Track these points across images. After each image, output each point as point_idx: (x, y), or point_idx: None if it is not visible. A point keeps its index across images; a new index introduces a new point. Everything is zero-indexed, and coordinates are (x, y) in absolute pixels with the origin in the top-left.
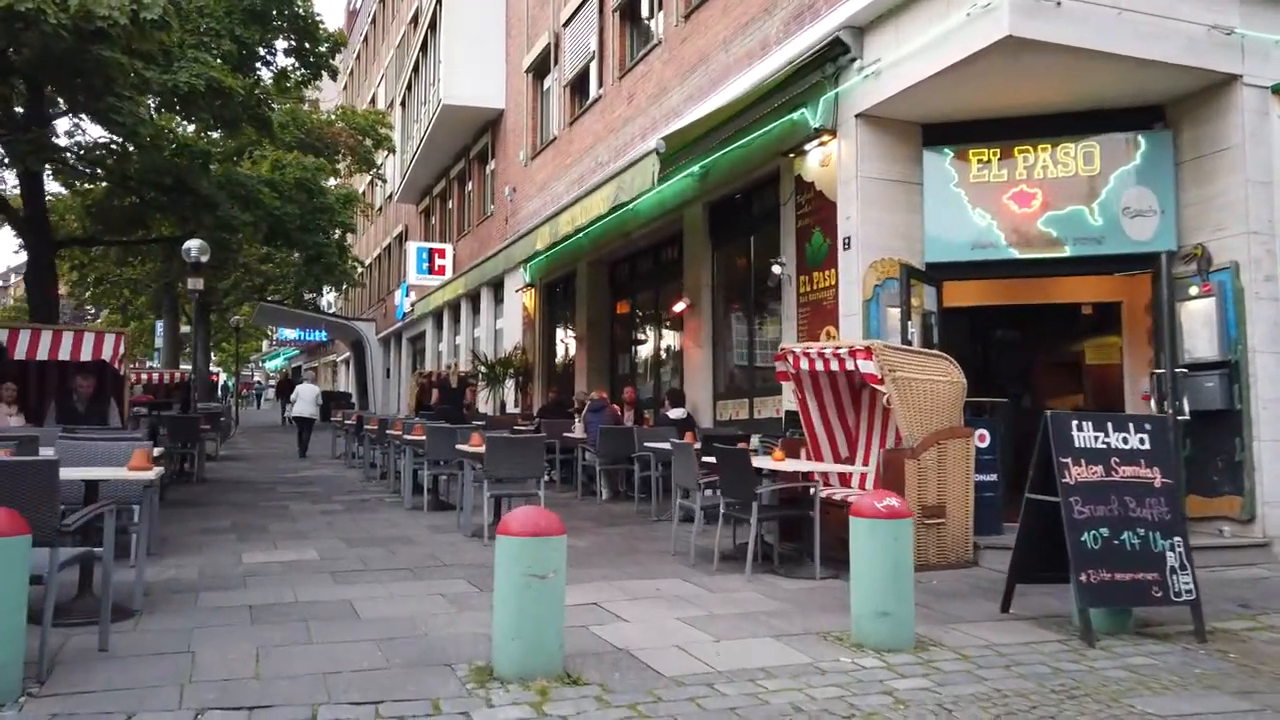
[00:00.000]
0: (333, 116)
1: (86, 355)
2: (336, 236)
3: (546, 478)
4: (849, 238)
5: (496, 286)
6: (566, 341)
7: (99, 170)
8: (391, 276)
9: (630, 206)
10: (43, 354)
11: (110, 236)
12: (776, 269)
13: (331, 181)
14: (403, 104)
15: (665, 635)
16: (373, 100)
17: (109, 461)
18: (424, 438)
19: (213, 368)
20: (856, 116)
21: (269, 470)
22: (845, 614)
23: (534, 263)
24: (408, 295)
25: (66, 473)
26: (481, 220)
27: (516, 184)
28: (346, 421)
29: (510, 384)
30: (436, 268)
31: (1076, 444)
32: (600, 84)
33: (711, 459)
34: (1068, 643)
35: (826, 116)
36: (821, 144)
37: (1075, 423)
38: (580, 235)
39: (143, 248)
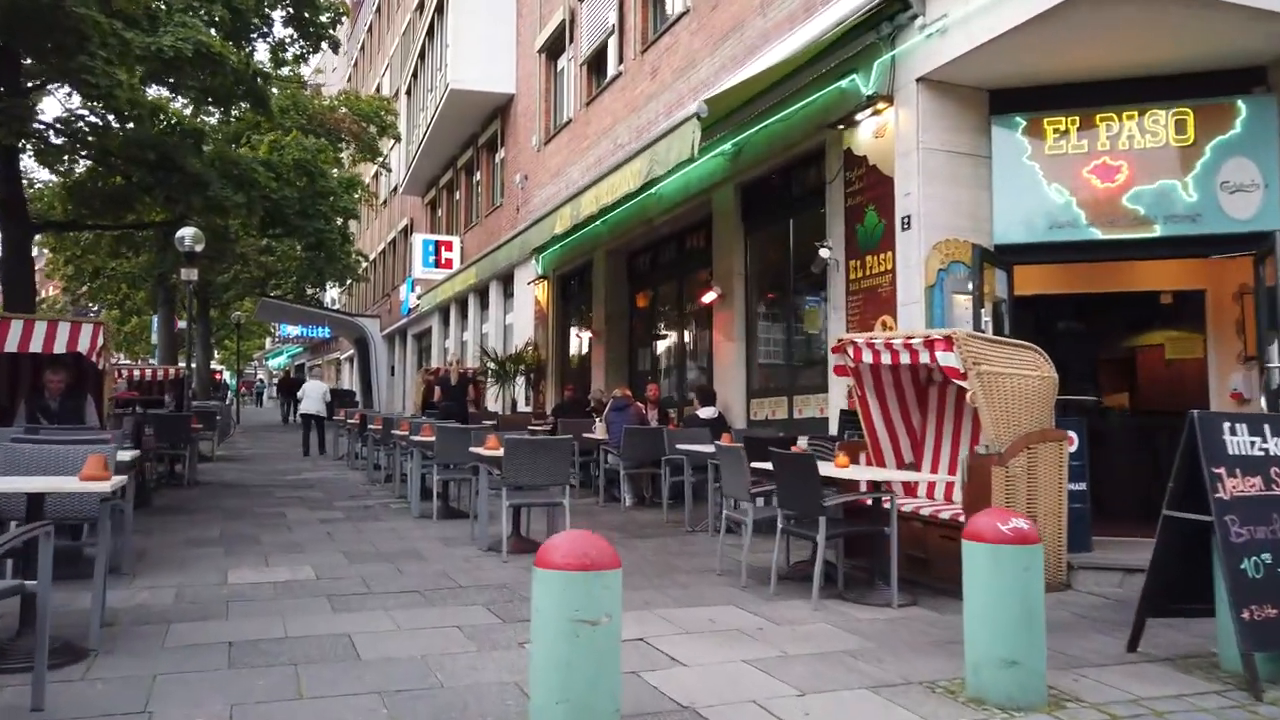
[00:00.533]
0: (335, 102)
1: (60, 347)
2: (339, 224)
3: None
4: (908, 217)
5: (506, 280)
6: (582, 336)
7: (77, 145)
8: (396, 271)
9: (654, 191)
10: (11, 346)
11: (93, 220)
12: (824, 253)
13: (334, 171)
14: (408, 93)
15: (735, 685)
16: (378, 90)
17: (66, 469)
18: (433, 439)
19: (216, 365)
20: (918, 81)
21: (267, 472)
22: (944, 655)
23: (547, 253)
24: (413, 290)
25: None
26: (491, 211)
27: (528, 171)
28: (350, 421)
29: (521, 381)
30: (443, 261)
31: (1230, 450)
32: (620, 60)
33: (763, 465)
34: (1227, 694)
35: (881, 82)
36: (876, 113)
37: (1228, 425)
38: (598, 222)
39: (135, 237)
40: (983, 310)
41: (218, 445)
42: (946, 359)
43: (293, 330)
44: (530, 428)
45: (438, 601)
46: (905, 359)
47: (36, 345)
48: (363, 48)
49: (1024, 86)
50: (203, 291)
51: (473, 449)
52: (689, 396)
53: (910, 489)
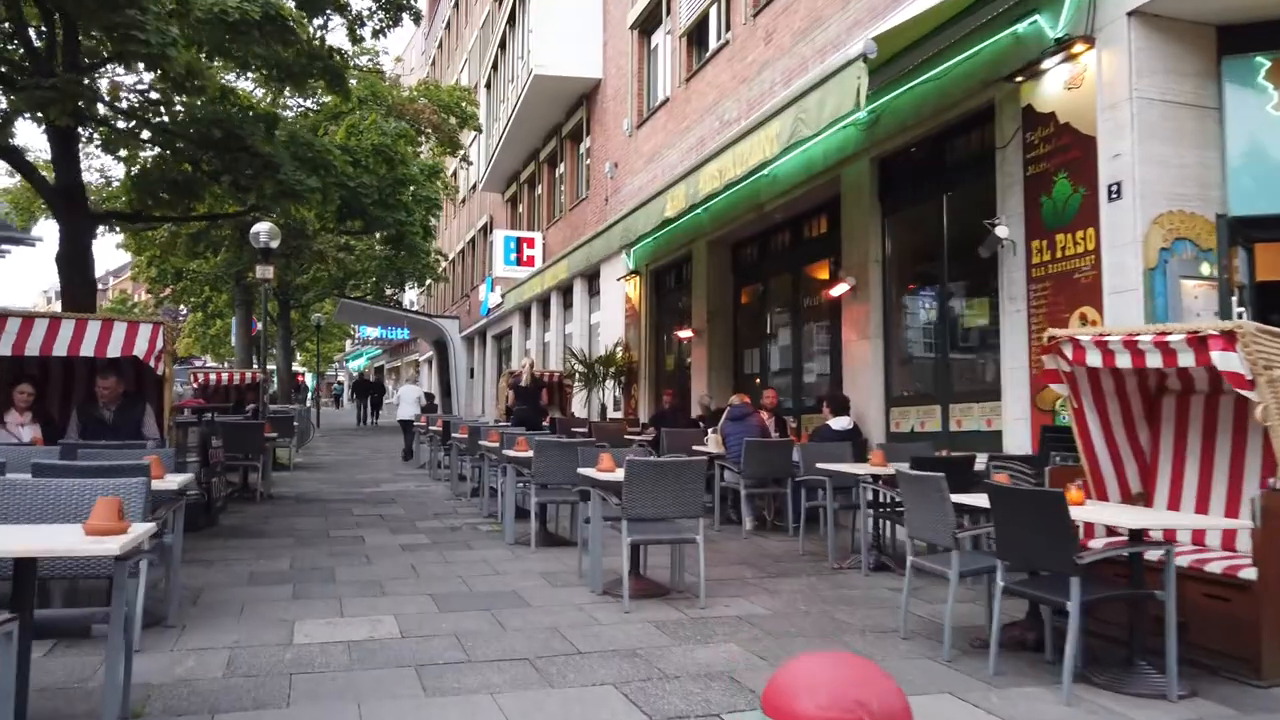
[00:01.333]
0: (415, 93)
1: (115, 351)
2: (421, 215)
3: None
4: (1118, 184)
5: (592, 277)
6: (679, 336)
7: (135, 125)
8: (476, 271)
9: (766, 172)
10: (60, 349)
11: (160, 212)
12: (1002, 231)
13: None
14: (487, 86)
15: None
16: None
17: (78, 511)
18: (529, 454)
19: (298, 367)
20: (1129, 15)
21: (345, 483)
22: None
23: (640, 246)
24: (493, 290)
25: None
26: (575, 204)
27: (618, 159)
28: (432, 428)
29: (610, 385)
30: (525, 258)
31: None
32: (726, 27)
33: (973, 499)
34: None
35: (1077, 19)
36: (1069, 58)
37: None
38: (699, 210)
39: (212, 235)
40: (1233, 298)
41: (297, 451)
42: (1227, 361)
43: (372, 332)
44: (627, 437)
45: (554, 678)
46: (1155, 360)
47: (88, 349)
48: (440, 45)
49: (1264, 19)
50: (282, 292)
51: (584, 471)
52: (810, 404)
53: (1168, 534)
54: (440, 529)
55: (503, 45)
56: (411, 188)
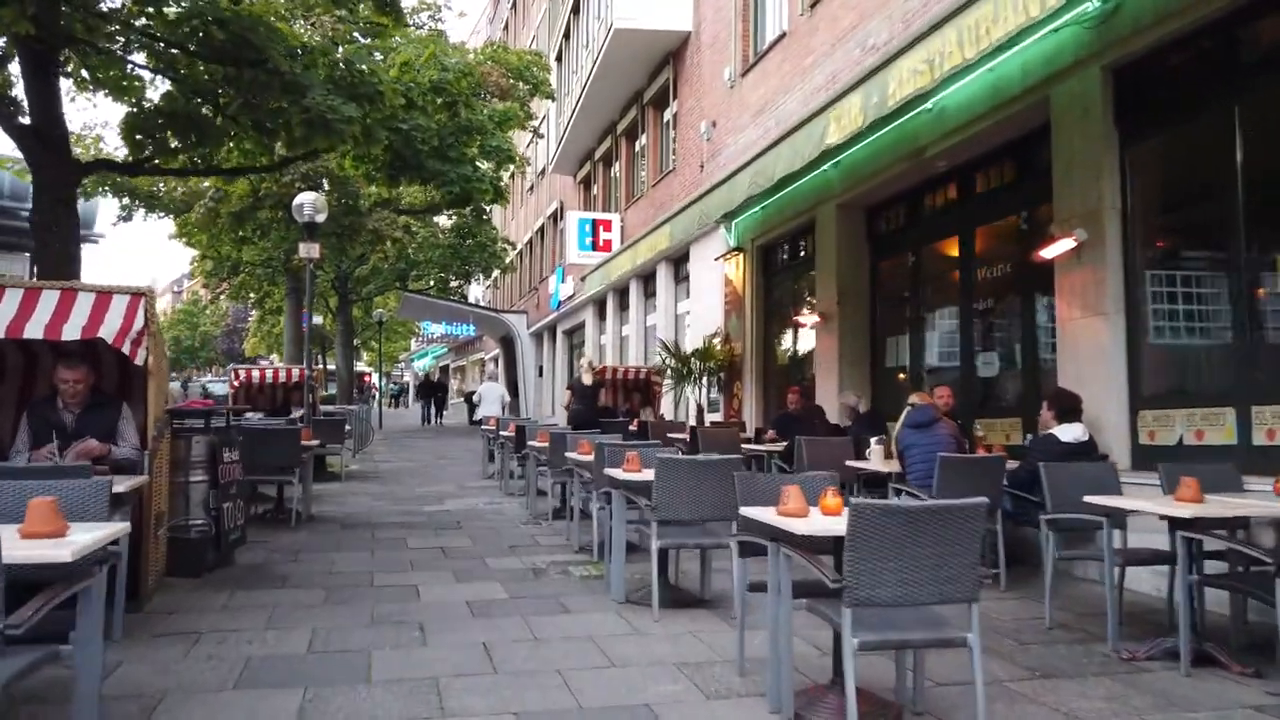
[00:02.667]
0: (481, 56)
1: (74, 332)
2: (490, 169)
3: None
4: None
5: (679, 260)
6: (799, 323)
7: (120, 36)
8: (545, 261)
9: (929, 105)
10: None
11: (165, 162)
12: None
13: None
14: (558, 59)
15: None
16: None
17: None
18: (647, 479)
19: (363, 367)
20: None
21: (403, 498)
22: None
23: (744, 217)
24: (564, 281)
25: None
26: (659, 179)
27: (717, 116)
28: (504, 433)
29: (707, 382)
30: (601, 243)
31: None
32: None
33: None
34: None
35: None
36: None
37: None
38: (825, 168)
39: (257, 214)
40: None
41: (355, 456)
42: None
43: (436, 329)
44: (747, 447)
45: None
46: None
47: (36, 329)
48: (505, 25)
49: None
50: (341, 284)
51: (756, 513)
52: (991, 405)
53: None
54: (520, 572)
55: (576, 9)
56: (479, 139)
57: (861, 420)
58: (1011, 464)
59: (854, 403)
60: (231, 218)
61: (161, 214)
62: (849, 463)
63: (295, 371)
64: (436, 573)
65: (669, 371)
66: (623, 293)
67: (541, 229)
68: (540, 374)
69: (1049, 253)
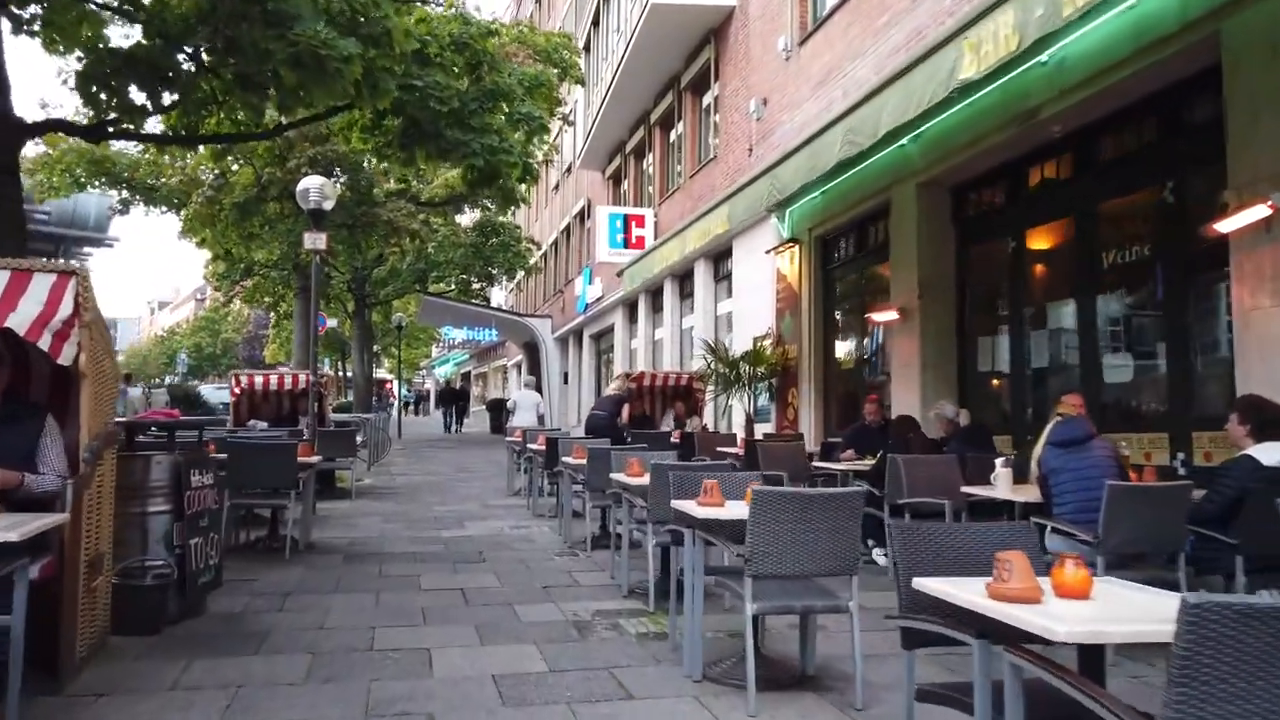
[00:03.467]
0: (506, 35)
1: None
2: (519, 143)
3: None
4: None
5: (719, 257)
6: (873, 320)
7: None
8: (571, 262)
9: (1046, 58)
10: None
11: (130, 122)
12: None
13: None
14: (586, 48)
15: None
16: None
17: None
18: (728, 514)
19: (384, 374)
20: None
21: (419, 519)
22: None
23: (801, 204)
24: (591, 282)
25: None
26: (697, 169)
27: (769, 93)
28: (532, 446)
29: (754, 389)
30: (634, 239)
31: None
32: None
33: None
34: None
35: None
36: None
37: None
38: (903, 141)
39: (264, 207)
40: None
41: (369, 469)
42: None
43: (457, 334)
44: (818, 464)
45: None
46: None
47: None
48: (530, 19)
49: None
50: (357, 286)
51: (954, 594)
52: (1120, 419)
53: None
54: (560, 628)
55: None
56: (506, 105)
57: (962, 436)
58: (1197, 493)
59: (951, 415)
60: (235, 210)
61: (163, 209)
62: (965, 489)
63: (303, 377)
64: (455, 628)
65: (714, 377)
66: (656, 293)
67: (568, 229)
68: (566, 381)
69: (1227, 226)
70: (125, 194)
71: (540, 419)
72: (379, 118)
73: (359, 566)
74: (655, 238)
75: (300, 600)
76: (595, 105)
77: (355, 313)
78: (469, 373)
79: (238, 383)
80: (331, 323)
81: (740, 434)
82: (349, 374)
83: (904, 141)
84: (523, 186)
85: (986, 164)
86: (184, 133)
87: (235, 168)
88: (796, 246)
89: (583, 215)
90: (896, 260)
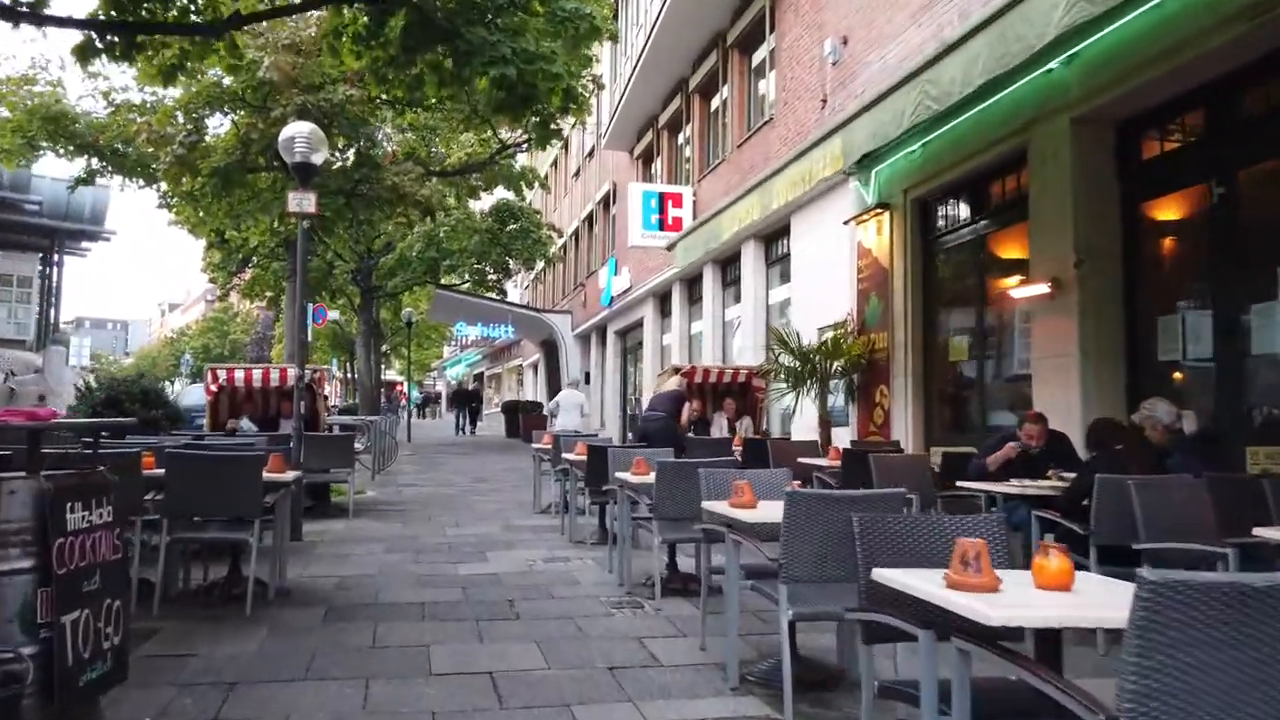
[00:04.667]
0: None
1: None
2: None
3: None
4: None
5: (772, 237)
6: (1012, 297)
7: None
8: (594, 253)
9: None
10: None
11: None
12: None
13: None
14: (614, 15)
15: None
16: None
17: None
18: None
19: (394, 375)
20: None
21: (428, 549)
22: None
23: (892, 162)
24: (617, 273)
25: None
26: (745, 138)
27: (849, 30)
28: (569, 456)
29: (830, 389)
30: (670, 221)
31: None
32: None
33: None
34: None
35: None
36: None
37: None
38: (1055, 63)
39: (249, 157)
40: None
41: (374, 478)
42: None
43: (471, 331)
44: (961, 486)
45: None
46: None
47: None
48: None
49: None
50: (364, 279)
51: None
52: None
53: None
54: None
55: None
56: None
57: (1187, 447)
58: None
59: (1168, 418)
60: (218, 178)
61: (140, 182)
62: (1261, 531)
63: (292, 374)
64: None
65: (780, 373)
66: (692, 282)
67: (590, 217)
68: (588, 381)
69: None
70: (92, 162)
71: (586, 418)
72: (378, 21)
73: (345, 628)
74: (694, 218)
75: (248, 699)
76: (624, 78)
77: (361, 307)
78: (481, 374)
79: (214, 378)
80: (333, 315)
81: (805, 438)
82: (356, 375)
83: (1052, 65)
84: (568, 121)
85: (1176, 86)
86: (114, 16)
87: (211, 123)
88: (885, 214)
89: (607, 201)
90: (1039, 221)
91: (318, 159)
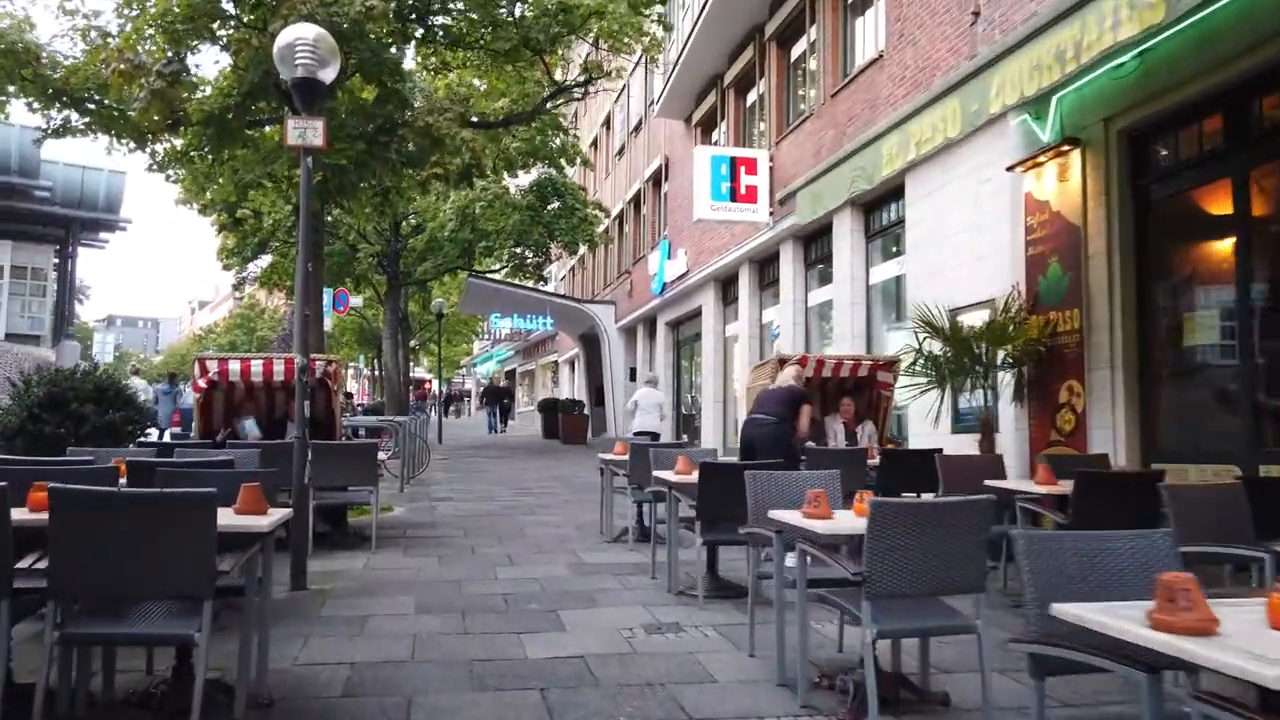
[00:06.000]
0: None
1: None
2: None
3: None
4: None
5: (872, 205)
6: (1257, 265)
7: None
8: (642, 237)
9: None
10: None
11: None
12: None
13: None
14: None
15: None
16: None
17: None
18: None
19: (422, 373)
20: None
21: (477, 600)
22: None
23: (1085, 84)
24: (671, 257)
25: None
26: (840, 85)
27: None
28: (665, 476)
29: (992, 385)
30: (743, 191)
31: None
32: None
33: None
34: None
35: None
36: None
37: None
38: None
39: (252, 103)
40: None
41: (403, 489)
42: None
43: (504, 324)
44: None
45: None
46: None
47: None
48: None
49: None
50: (391, 265)
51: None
52: None
53: None
54: None
55: None
56: None
57: None
58: None
59: None
60: (213, 129)
61: (123, 141)
62: None
63: (300, 363)
64: None
65: (921, 364)
66: (766, 263)
67: (637, 197)
68: (632, 378)
69: None
70: (64, 111)
71: (664, 419)
72: None
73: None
74: (771, 188)
75: None
76: (682, 35)
77: (388, 296)
78: (513, 370)
79: (203, 371)
80: (356, 301)
81: (960, 448)
82: (383, 371)
83: None
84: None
85: None
86: None
87: (205, 59)
88: (1074, 153)
89: (658, 178)
90: None
91: (326, 75)
